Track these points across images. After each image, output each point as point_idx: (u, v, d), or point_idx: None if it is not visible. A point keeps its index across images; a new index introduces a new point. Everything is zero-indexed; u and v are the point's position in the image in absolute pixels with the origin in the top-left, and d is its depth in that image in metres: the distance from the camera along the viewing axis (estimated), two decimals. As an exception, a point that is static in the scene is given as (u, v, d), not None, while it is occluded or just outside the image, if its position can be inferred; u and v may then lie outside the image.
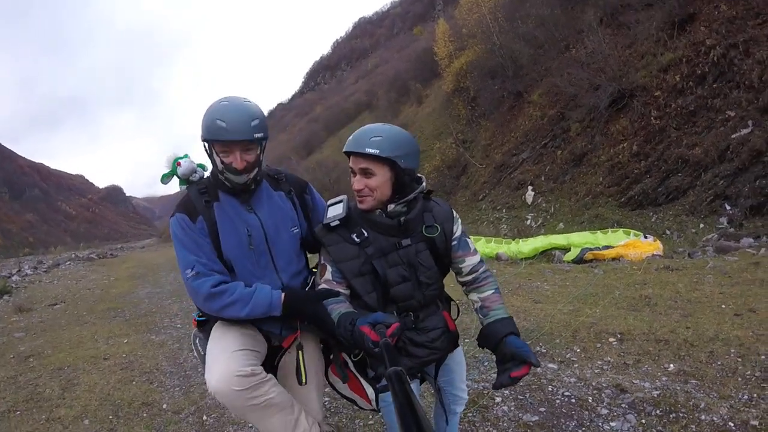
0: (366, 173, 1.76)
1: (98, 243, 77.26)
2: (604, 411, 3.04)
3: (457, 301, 2.17)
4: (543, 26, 19.99)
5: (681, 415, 2.83)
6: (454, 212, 2.00)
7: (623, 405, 3.07)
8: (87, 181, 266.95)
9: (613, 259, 8.30)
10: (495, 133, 21.06)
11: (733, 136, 10.43)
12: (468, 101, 24.58)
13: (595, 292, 5.80)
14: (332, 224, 1.83)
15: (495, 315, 1.89)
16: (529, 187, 16.33)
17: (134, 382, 4.76)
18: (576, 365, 3.82)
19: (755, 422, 2.64)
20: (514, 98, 20.64)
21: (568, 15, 18.96)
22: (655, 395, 3.10)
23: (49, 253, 39.59)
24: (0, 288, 12.96)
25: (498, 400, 3.41)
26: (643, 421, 2.84)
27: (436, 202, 1.98)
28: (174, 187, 2.18)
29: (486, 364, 4.08)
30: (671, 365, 3.53)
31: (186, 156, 2.10)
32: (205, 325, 2.05)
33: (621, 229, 9.96)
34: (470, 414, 3.23)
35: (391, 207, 1.81)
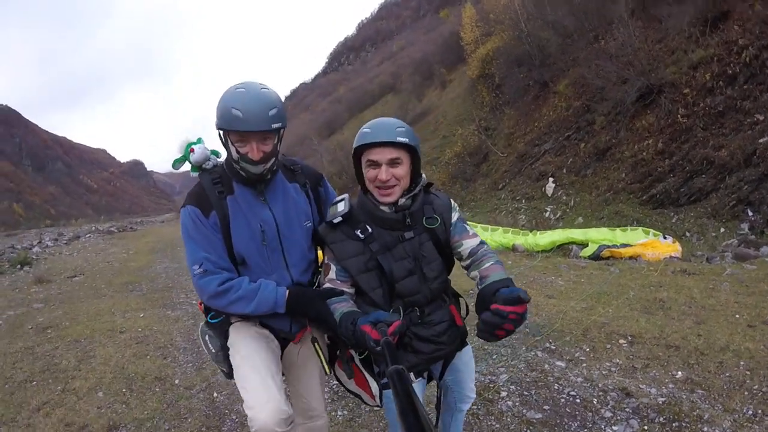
0: (394, 163, 1.78)
1: (119, 216, 78.83)
2: (608, 414, 3.04)
3: (466, 297, 2.15)
4: (572, 15, 19.59)
5: (684, 424, 2.82)
6: (452, 201, 2.02)
7: (627, 409, 3.07)
8: (109, 155, 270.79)
9: (630, 257, 8.20)
10: (518, 122, 20.82)
11: (761, 140, 10.16)
12: (492, 88, 24.26)
13: (609, 291, 5.76)
14: (335, 221, 1.84)
15: (493, 278, 1.75)
16: (550, 179, 16.16)
17: (148, 357, 4.89)
18: (584, 365, 3.81)
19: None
20: (540, 87, 20.35)
21: (598, 4, 18.49)
22: (660, 402, 3.09)
23: (70, 225, 40.52)
24: (21, 259, 13.38)
25: (503, 394, 3.43)
26: (646, 427, 2.84)
27: (435, 194, 2.00)
28: (194, 163, 2.07)
29: (495, 357, 4.10)
30: (679, 372, 3.50)
31: (199, 141, 2.02)
32: (216, 325, 2.01)
33: (640, 228, 9.82)
34: (475, 407, 3.26)
35: (402, 200, 1.84)
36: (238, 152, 1.81)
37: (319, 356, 1.98)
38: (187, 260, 1.87)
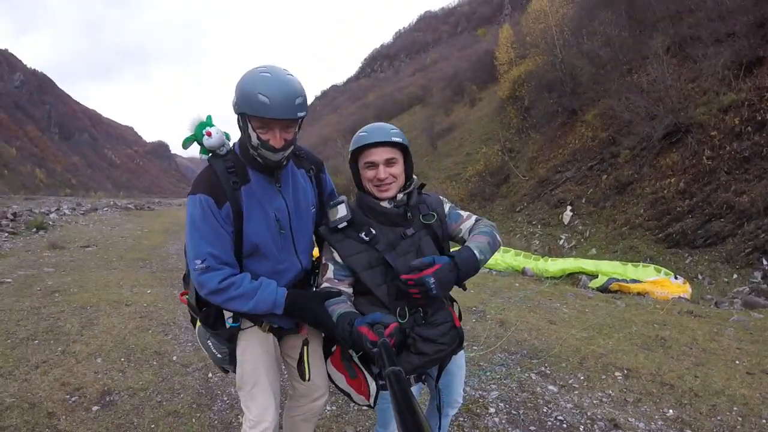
0: (390, 162, 1.91)
1: (137, 194, 79.90)
2: (593, 442, 3.04)
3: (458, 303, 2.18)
4: (608, 46, 19.61)
5: (669, 460, 2.81)
6: (442, 197, 2.15)
7: (613, 440, 3.06)
8: (136, 133, 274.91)
9: (638, 293, 8.14)
10: (543, 147, 20.85)
11: (784, 189, 10.05)
12: (521, 111, 24.39)
13: (612, 324, 5.72)
14: (340, 226, 1.90)
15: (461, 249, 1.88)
16: (569, 207, 16.13)
17: (150, 331, 4.99)
18: (576, 392, 3.81)
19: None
20: (568, 115, 20.37)
21: (635, 38, 18.53)
22: (648, 437, 3.08)
23: (89, 196, 41.12)
24: (37, 223, 13.64)
25: (491, 410, 3.44)
26: (630, 459, 2.84)
27: (427, 194, 2.12)
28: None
29: (488, 373, 4.11)
30: (671, 411, 3.48)
31: (209, 119, 1.91)
32: (226, 330, 1.97)
33: (652, 266, 9.72)
34: (461, 418, 3.28)
35: (399, 196, 1.94)
36: (259, 138, 1.75)
37: (302, 359, 2.00)
38: (188, 252, 1.81)
